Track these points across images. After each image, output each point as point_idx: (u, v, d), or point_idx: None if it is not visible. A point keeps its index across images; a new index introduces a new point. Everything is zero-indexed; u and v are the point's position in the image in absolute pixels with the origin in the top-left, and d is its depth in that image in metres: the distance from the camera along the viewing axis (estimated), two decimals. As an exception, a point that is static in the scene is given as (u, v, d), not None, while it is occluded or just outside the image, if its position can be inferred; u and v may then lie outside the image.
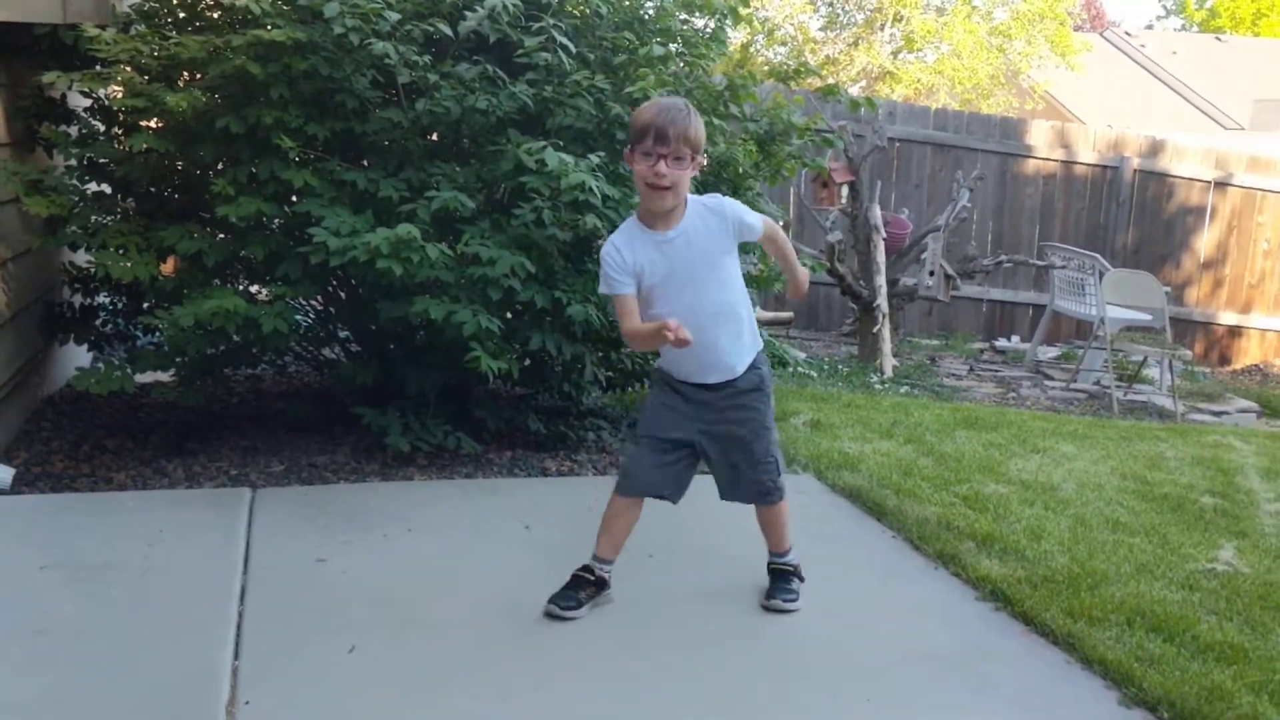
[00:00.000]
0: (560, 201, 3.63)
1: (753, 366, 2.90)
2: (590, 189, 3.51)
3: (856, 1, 19.26)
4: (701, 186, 3.91)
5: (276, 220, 3.88)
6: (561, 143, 3.69)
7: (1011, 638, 2.94)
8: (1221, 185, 10.23)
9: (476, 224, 3.70)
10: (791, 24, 18.99)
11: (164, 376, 4.16)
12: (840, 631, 2.91)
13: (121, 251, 3.67)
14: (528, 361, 4.16)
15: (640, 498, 2.94)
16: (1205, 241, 10.33)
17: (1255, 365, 10.38)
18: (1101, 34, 25.93)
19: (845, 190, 7.54)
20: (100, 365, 3.80)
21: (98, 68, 3.71)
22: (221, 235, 3.86)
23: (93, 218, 3.84)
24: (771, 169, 4.73)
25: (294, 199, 3.76)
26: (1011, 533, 3.65)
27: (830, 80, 14.39)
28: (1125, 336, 7.43)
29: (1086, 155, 9.92)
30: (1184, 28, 34.71)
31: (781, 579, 3.04)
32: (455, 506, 3.65)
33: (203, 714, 2.32)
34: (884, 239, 7.45)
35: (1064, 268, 8.33)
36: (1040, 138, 9.86)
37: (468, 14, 3.75)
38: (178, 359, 3.84)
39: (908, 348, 8.55)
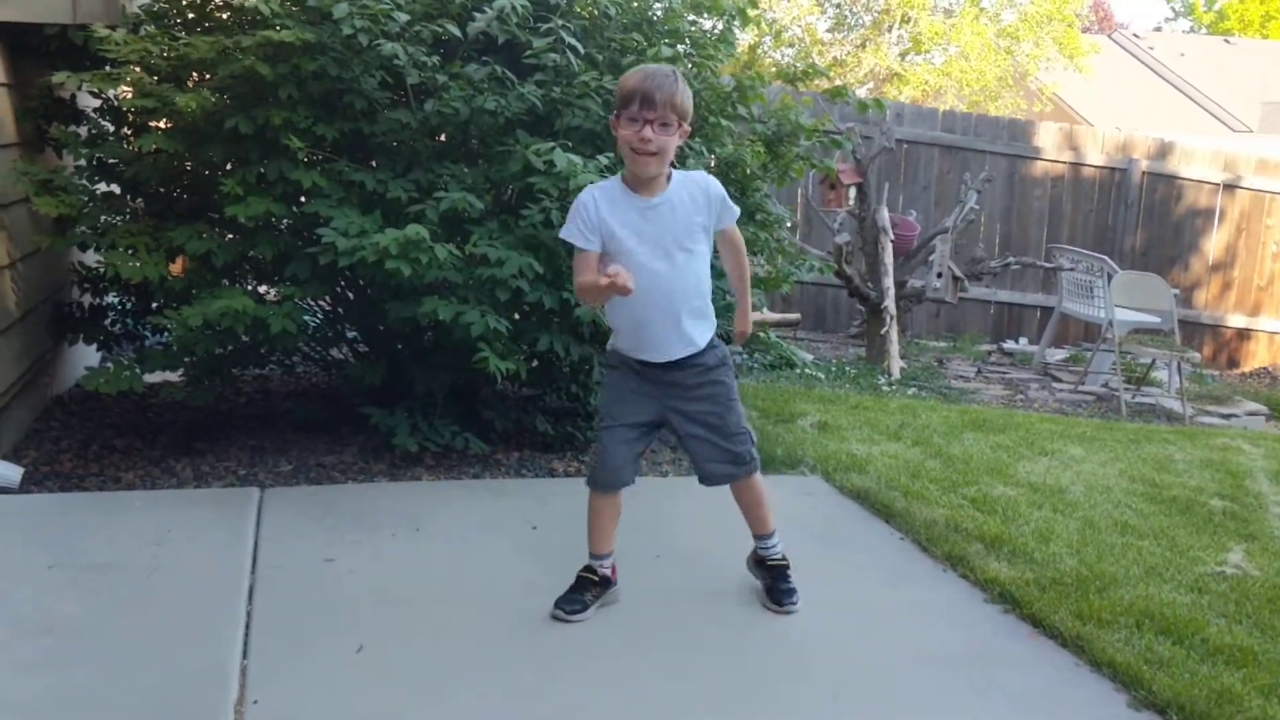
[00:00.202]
0: (569, 202, 3.62)
1: (712, 345, 2.90)
2: (598, 190, 3.51)
3: (864, 3, 19.26)
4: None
5: (285, 221, 3.89)
6: (570, 143, 3.70)
7: (1020, 640, 2.93)
8: (1230, 187, 10.19)
9: (485, 225, 3.70)
10: (799, 25, 19.02)
11: (172, 376, 4.17)
12: (847, 632, 2.90)
13: (130, 251, 3.67)
14: (535, 362, 4.16)
15: (619, 489, 2.93)
16: (1214, 244, 10.30)
17: (1264, 368, 10.33)
18: (1109, 36, 25.89)
19: (853, 192, 7.53)
20: (109, 365, 3.81)
21: (107, 68, 3.72)
22: (230, 235, 3.87)
23: (102, 218, 3.85)
24: (779, 170, 4.73)
25: (303, 199, 3.77)
26: (1020, 535, 3.64)
27: (838, 82, 14.37)
28: (1133, 339, 7.40)
29: (1095, 157, 9.90)
30: (1192, 30, 34.65)
31: (780, 578, 3.01)
32: (463, 507, 3.65)
33: (211, 713, 2.33)
34: (892, 241, 7.44)
35: (1072, 270, 8.30)
36: (1048, 140, 9.85)
37: (476, 15, 3.76)
38: (186, 359, 3.85)
39: (915, 349, 8.53)
